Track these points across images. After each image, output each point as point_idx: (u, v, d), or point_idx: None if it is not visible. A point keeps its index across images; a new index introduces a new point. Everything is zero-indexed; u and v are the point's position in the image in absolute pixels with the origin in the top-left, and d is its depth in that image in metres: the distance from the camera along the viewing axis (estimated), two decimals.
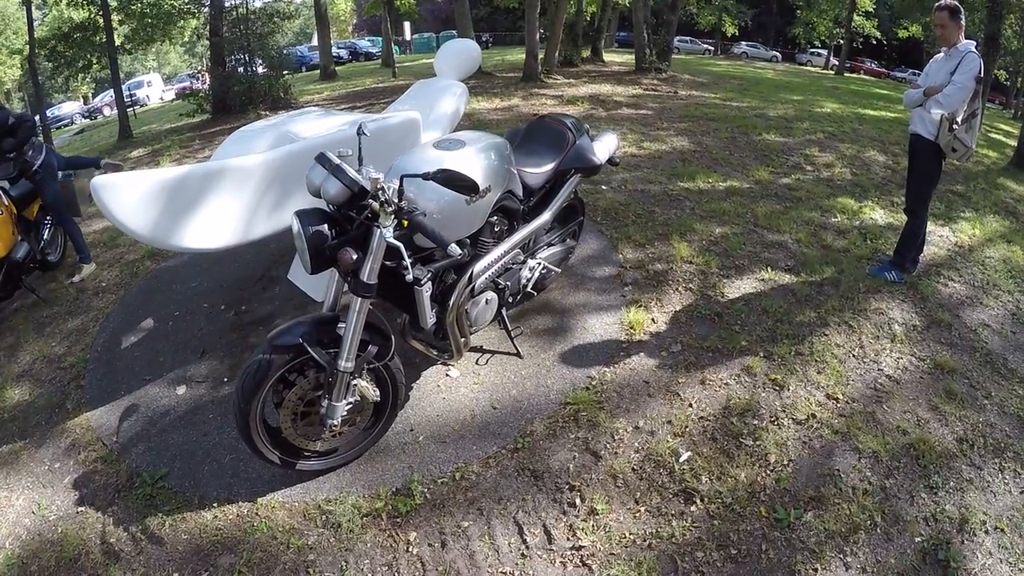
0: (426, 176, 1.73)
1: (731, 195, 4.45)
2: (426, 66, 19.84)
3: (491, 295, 2.35)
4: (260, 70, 11.17)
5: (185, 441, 2.42)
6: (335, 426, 2.01)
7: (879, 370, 2.58)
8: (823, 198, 4.46)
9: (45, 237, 4.15)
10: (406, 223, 1.74)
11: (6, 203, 3.72)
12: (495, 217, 2.32)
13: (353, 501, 2.07)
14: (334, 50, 23.02)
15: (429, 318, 2.05)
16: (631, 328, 2.86)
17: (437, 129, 3.45)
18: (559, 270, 2.94)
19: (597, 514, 1.93)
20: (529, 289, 2.65)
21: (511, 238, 2.39)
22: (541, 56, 11.72)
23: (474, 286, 2.18)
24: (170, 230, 2.35)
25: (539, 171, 2.54)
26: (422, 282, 1.92)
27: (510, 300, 2.56)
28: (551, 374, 2.60)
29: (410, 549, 1.90)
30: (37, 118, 11.80)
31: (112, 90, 12.73)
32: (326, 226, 1.78)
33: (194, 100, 11.09)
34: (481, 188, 2.07)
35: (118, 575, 1.91)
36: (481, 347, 2.78)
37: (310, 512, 2.05)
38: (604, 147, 2.82)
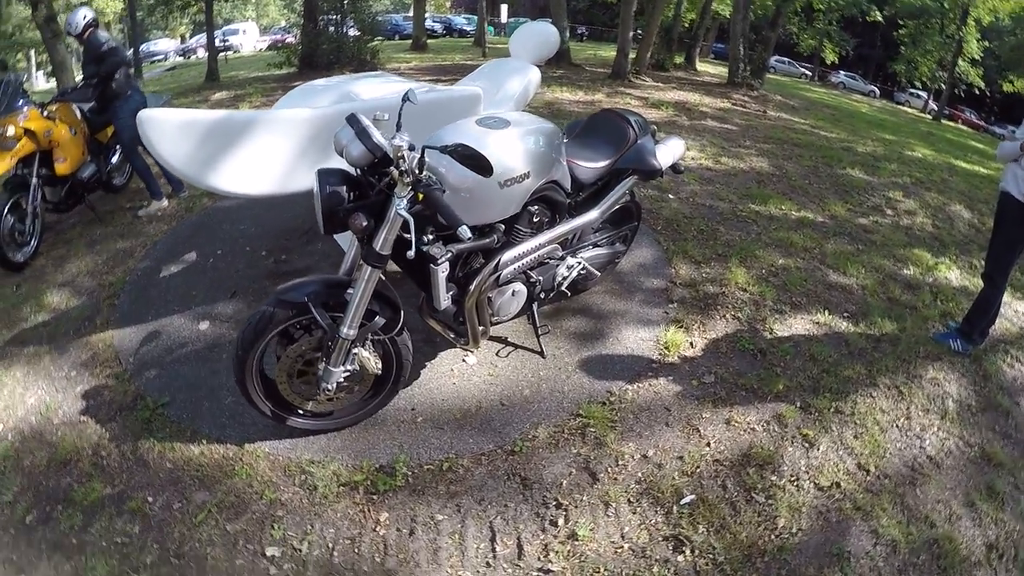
0: (443, 149, 1.63)
1: (802, 226, 4.12)
2: None
3: (520, 287, 2.22)
4: (351, 32, 11.38)
5: (194, 375, 2.45)
6: (329, 390, 1.97)
7: (921, 448, 2.28)
8: (898, 246, 4.05)
9: (113, 162, 4.34)
10: (421, 196, 1.65)
11: (81, 124, 3.92)
12: (536, 207, 2.18)
13: (335, 468, 2.03)
14: (428, 23, 23.27)
15: (443, 300, 1.94)
16: (666, 348, 2.67)
17: (507, 105, 3.35)
18: (600, 274, 2.78)
19: (577, 539, 1.79)
20: (564, 288, 2.51)
21: (550, 231, 2.25)
22: (632, 55, 11.39)
23: (500, 275, 2.06)
24: (206, 169, 2.37)
25: (592, 166, 2.38)
26: (439, 261, 1.82)
27: (541, 296, 2.43)
28: (570, 381, 2.46)
29: (377, 528, 1.83)
30: (131, 52, 12.55)
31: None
32: (345, 188, 1.73)
33: (283, 52, 11.44)
34: (518, 172, 1.95)
35: (99, 486, 1.96)
36: (505, 339, 2.67)
37: (291, 469, 2.03)
38: (668, 152, 2.63)
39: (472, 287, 2.01)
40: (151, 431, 2.18)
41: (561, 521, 1.85)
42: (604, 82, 10.21)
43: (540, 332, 2.55)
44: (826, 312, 3.07)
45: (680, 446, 2.17)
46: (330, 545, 1.78)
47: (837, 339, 2.88)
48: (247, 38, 26.90)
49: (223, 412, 2.27)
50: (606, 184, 2.49)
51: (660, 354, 2.65)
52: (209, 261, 3.37)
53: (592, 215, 2.40)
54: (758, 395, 2.45)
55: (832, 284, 3.39)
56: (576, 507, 1.91)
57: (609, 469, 2.05)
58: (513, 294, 2.19)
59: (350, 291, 1.85)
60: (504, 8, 22.03)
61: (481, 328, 2.16)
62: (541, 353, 2.57)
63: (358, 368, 1.96)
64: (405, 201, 1.65)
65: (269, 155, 2.51)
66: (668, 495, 1.96)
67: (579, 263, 2.50)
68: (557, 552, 1.75)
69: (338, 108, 2.68)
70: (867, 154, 6.94)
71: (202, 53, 22.48)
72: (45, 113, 3.60)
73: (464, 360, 2.55)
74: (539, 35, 3.74)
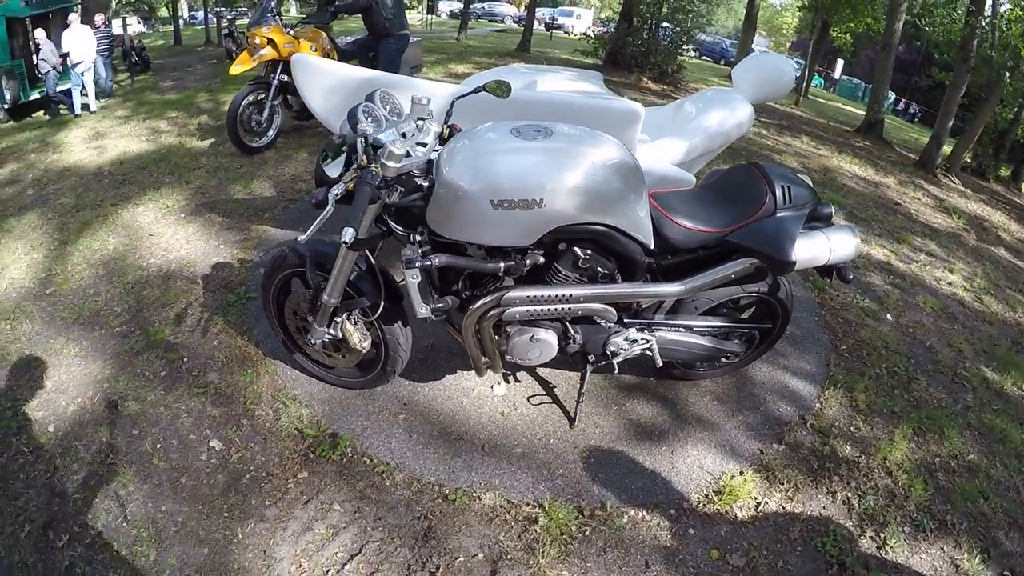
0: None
1: None
2: (835, 110, 17.21)
3: (545, 335, 1.85)
4: (665, 41, 11.19)
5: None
6: (312, 345, 2.02)
7: None
8: None
9: None
10: (350, 187, 1.52)
11: (330, 49, 4.65)
12: (587, 251, 1.75)
13: (299, 415, 2.10)
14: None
15: (418, 308, 1.74)
16: (721, 493, 1.98)
17: (694, 138, 2.85)
18: (692, 371, 2.34)
19: None
20: (618, 361, 2.02)
21: (591, 286, 1.80)
22: (947, 149, 8.91)
23: (507, 310, 1.75)
24: (338, 119, 2.60)
25: (690, 226, 1.83)
26: (409, 266, 1.63)
27: (591, 359, 2.03)
28: (578, 466, 2.03)
29: (288, 482, 1.87)
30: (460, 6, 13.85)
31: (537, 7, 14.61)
32: (343, 157, 1.67)
33: (593, 44, 11.88)
34: (519, 197, 1.53)
35: (166, 331, 2.45)
36: (550, 385, 2.35)
37: (263, 391, 2.21)
38: (821, 245, 1.86)
39: (470, 310, 1.76)
40: (224, 314, 2.58)
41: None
42: (905, 168, 8.18)
43: (580, 398, 2.16)
44: (979, 559, 1.88)
45: None
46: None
47: None
48: (579, 23, 27.10)
49: None
50: (713, 256, 1.91)
51: (707, 495, 1.98)
52: None
53: (668, 289, 1.86)
54: None
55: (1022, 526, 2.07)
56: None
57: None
58: (533, 339, 1.84)
59: (357, 267, 1.85)
60: (840, 63, 19.23)
61: (486, 360, 1.91)
62: (571, 421, 2.19)
63: (341, 337, 1.96)
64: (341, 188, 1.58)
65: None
66: None
67: (647, 341, 1.98)
68: None
69: (541, 98, 2.65)
70: None
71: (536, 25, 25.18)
72: (291, 32, 4.44)
73: (492, 387, 2.32)
74: (768, 69, 3.01)
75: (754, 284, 2.01)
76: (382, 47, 4.60)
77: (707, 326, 2.10)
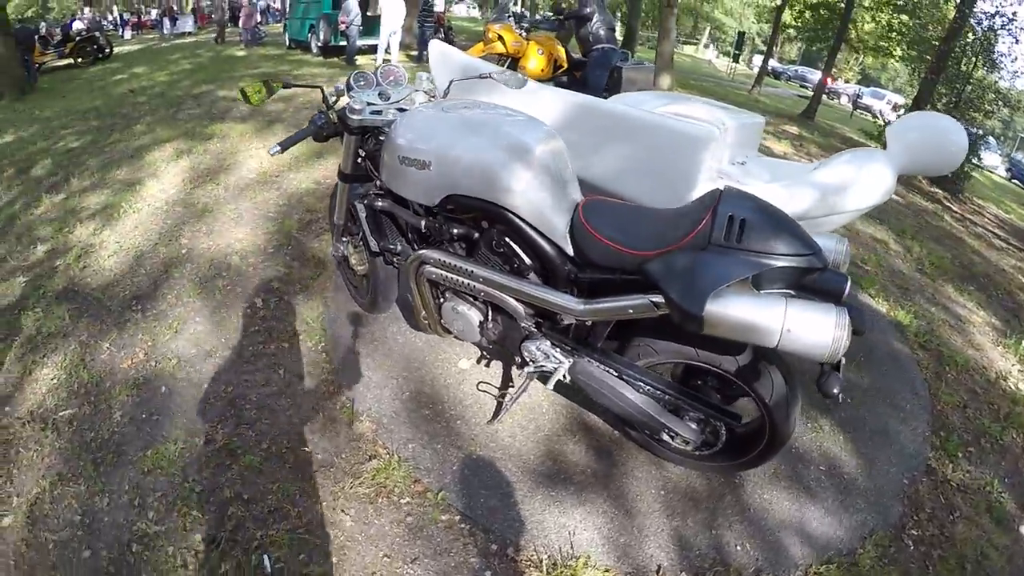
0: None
1: None
2: None
3: (465, 309, 1.85)
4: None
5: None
6: (334, 256, 2.39)
7: None
8: None
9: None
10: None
11: (557, 50, 5.24)
12: (506, 239, 1.68)
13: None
14: None
15: (369, 239, 2.05)
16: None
17: (800, 189, 2.29)
18: (656, 447, 1.97)
19: None
20: (528, 372, 1.83)
21: (492, 271, 1.71)
22: None
23: (422, 269, 1.83)
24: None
25: (607, 241, 1.52)
26: (363, 199, 1.97)
27: (516, 361, 1.90)
28: (525, 514, 1.85)
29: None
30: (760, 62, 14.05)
31: (822, 73, 13.48)
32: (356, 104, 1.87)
33: (880, 128, 10.58)
34: (415, 156, 1.67)
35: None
36: (513, 383, 2.24)
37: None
38: (767, 314, 1.29)
39: (395, 249, 2.02)
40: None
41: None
42: None
43: (507, 398, 2.09)
44: None
45: None
46: None
47: None
48: (883, 105, 21.61)
49: None
50: (637, 284, 1.50)
51: None
52: None
53: (566, 302, 1.59)
54: None
55: None
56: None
57: None
58: (456, 311, 1.88)
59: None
60: None
61: (425, 317, 2.01)
62: (493, 417, 2.10)
63: (343, 255, 2.29)
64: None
65: (567, 135, 2.53)
66: None
67: (560, 362, 1.73)
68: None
69: (609, 107, 2.52)
70: None
71: (845, 101, 22.37)
72: (522, 33, 4.92)
73: (458, 364, 2.35)
74: (931, 133, 2.22)
75: (716, 355, 1.53)
76: (593, 57, 4.91)
77: (644, 382, 1.71)
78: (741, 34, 21.97)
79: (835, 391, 1.32)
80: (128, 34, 19.19)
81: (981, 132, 9.89)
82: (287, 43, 11.64)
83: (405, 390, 2.21)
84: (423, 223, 1.82)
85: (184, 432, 2.03)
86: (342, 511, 1.77)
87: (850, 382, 2.53)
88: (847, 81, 30.97)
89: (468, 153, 1.61)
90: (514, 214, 1.61)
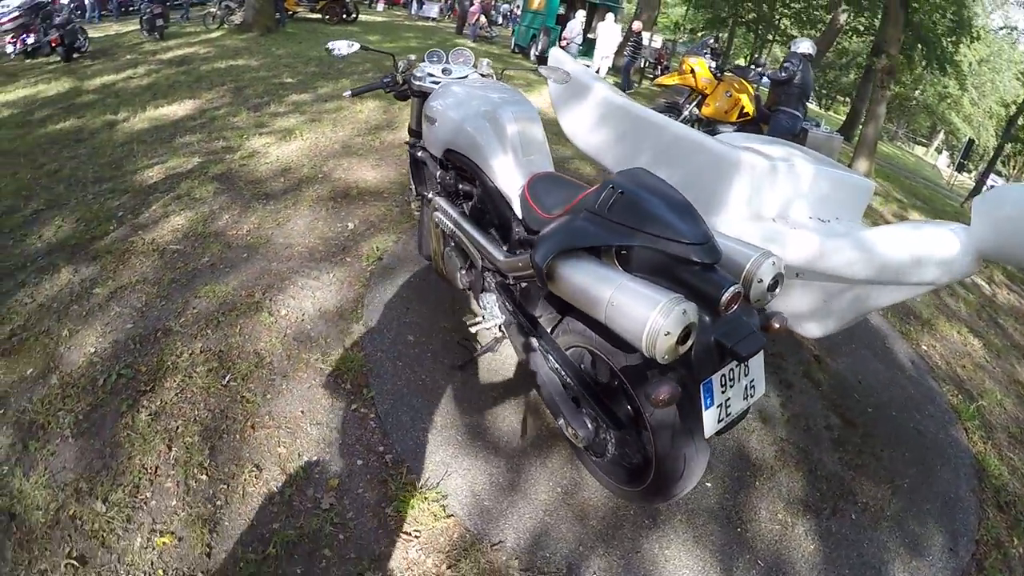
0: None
1: None
2: None
3: (455, 257, 2.09)
4: None
5: None
6: None
7: None
8: None
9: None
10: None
11: (747, 96, 5.23)
12: (478, 190, 1.99)
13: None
14: None
15: (412, 179, 2.43)
16: None
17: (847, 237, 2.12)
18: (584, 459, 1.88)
19: None
20: (486, 326, 1.89)
21: (455, 212, 2.06)
22: None
23: (433, 216, 2.16)
24: (577, 128, 2.97)
25: (532, 204, 1.67)
26: (409, 147, 2.34)
27: (498, 332, 2.00)
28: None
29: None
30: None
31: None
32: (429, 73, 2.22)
33: None
34: (430, 114, 2.05)
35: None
36: (473, 346, 2.29)
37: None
38: (624, 296, 1.23)
39: (427, 195, 2.29)
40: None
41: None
42: None
43: (471, 346, 2.30)
44: None
45: None
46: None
47: None
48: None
49: None
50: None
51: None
52: None
53: (491, 248, 1.81)
54: None
55: None
56: None
57: None
58: (448, 255, 2.11)
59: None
60: None
61: (438, 261, 2.21)
62: (460, 367, 2.18)
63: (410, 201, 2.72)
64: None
65: (634, 146, 2.64)
66: None
67: (496, 318, 1.84)
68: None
69: (708, 142, 2.42)
70: None
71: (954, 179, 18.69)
72: (716, 73, 5.04)
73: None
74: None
75: (610, 347, 1.42)
76: (776, 115, 4.98)
77: (553, 358, 1.68)
78: (971, 141, 19.33)
79: (662, 396, 1.19)
80: (381, 7, 20.39)
81: None
82: (512, 46, 12.82)
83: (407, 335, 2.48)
84: (438, 174, 2.14)
85: (238, 284, 2.56)
86: None
87: None
88: None
89: (459, 115, 1.92)
90: (484, 173, 1.86)
